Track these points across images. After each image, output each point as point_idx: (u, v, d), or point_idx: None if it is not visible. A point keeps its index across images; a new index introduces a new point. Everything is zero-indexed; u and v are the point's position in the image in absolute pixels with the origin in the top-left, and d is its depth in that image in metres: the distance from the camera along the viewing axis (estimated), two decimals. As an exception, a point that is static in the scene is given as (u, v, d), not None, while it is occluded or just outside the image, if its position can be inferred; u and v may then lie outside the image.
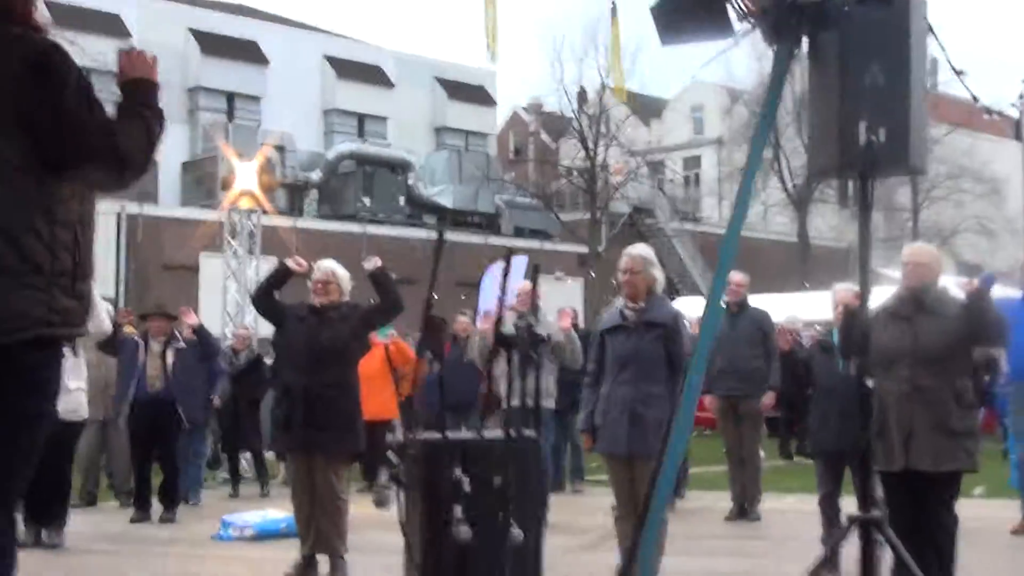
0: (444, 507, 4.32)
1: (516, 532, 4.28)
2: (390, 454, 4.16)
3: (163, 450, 10.99)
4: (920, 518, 6.23)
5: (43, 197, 3.32)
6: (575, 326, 10.36)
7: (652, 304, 6.70)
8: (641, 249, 6.93)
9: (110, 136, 3.33)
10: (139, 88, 3.49)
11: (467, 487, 4.30)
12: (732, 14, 4.49)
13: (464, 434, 5.72)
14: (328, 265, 7.88)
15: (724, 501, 10.72)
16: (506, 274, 4.37)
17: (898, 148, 3.99)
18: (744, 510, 10.45)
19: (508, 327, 5.61)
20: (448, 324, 6.35)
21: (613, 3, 33.95)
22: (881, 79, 3.94)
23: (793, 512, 10.31)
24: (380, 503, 4.23)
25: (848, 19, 4.27)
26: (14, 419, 3.31)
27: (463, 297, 24.94)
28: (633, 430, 6.44)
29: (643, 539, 4.01)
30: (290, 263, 7.91)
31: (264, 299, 8.01)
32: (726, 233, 4.41)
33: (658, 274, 6.80)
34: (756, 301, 11.20)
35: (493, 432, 4.89)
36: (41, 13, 3.50)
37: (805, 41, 4.35)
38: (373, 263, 7.64)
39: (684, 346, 6.55)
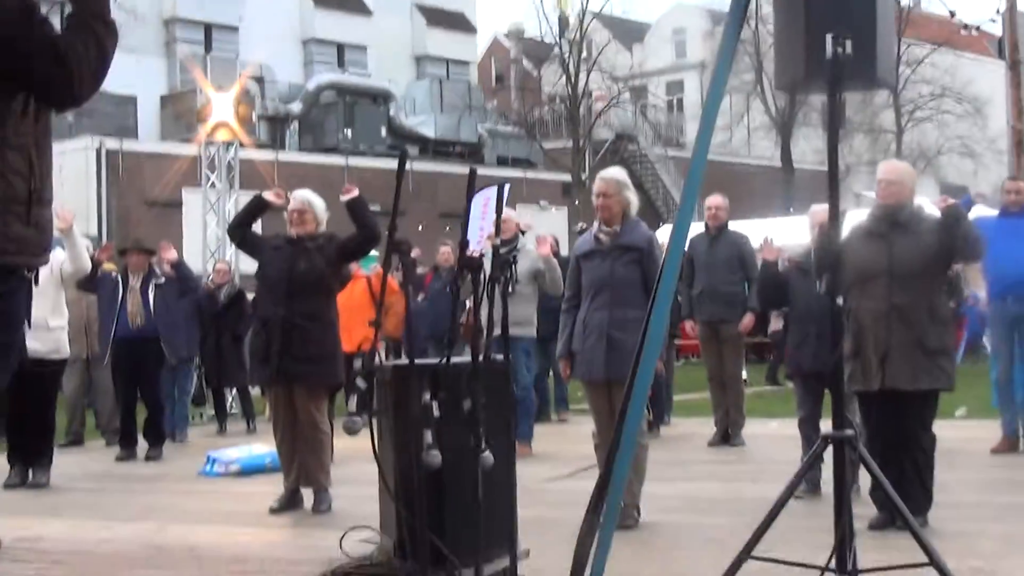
0: (414, 432, 4.32)
1: (487, 456, 4.27)
2: (358, 380, 4.14)
3: (146, 387, 10.95)
4: (898, 437, 6.26)
5: None
6: (555, 253, 10.32)
7: (627, 228, 6.66)
8: (615, 172, 6.87)
9: (56, 55, 3.23)
10: None
11: (436, 412, 4.29)
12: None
13: (432, 360, 5.69)
14: (304, 194, 7.78)
15: (708, 427, 10.75)
16: (470, 196, 4.32)
17: (864, 61, 3.95)
18: (727, 435, 10.49)
19: (475, 249, 5.59)
20: (412, 247, 6.31)
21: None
22: (847, -10, 3.89)
23: (776, 437, 10.33)
24: (349, 430, 4.20)
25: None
26: None
27: (447, 228, 24.89)
28: (610, 355, 6.43)
29: (616, 466, 4.00)
30: (268, 195, 7.82)
31: (239, 230, 7.91)
32: (692, 158, 4.35)
33: (632, 197, 6.75)
34: (741, 226, 11.16)
35: (461, 357, 4.88)
36: None
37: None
38: (350, 193, 7.57)
39: (658, 269, 6.51)
